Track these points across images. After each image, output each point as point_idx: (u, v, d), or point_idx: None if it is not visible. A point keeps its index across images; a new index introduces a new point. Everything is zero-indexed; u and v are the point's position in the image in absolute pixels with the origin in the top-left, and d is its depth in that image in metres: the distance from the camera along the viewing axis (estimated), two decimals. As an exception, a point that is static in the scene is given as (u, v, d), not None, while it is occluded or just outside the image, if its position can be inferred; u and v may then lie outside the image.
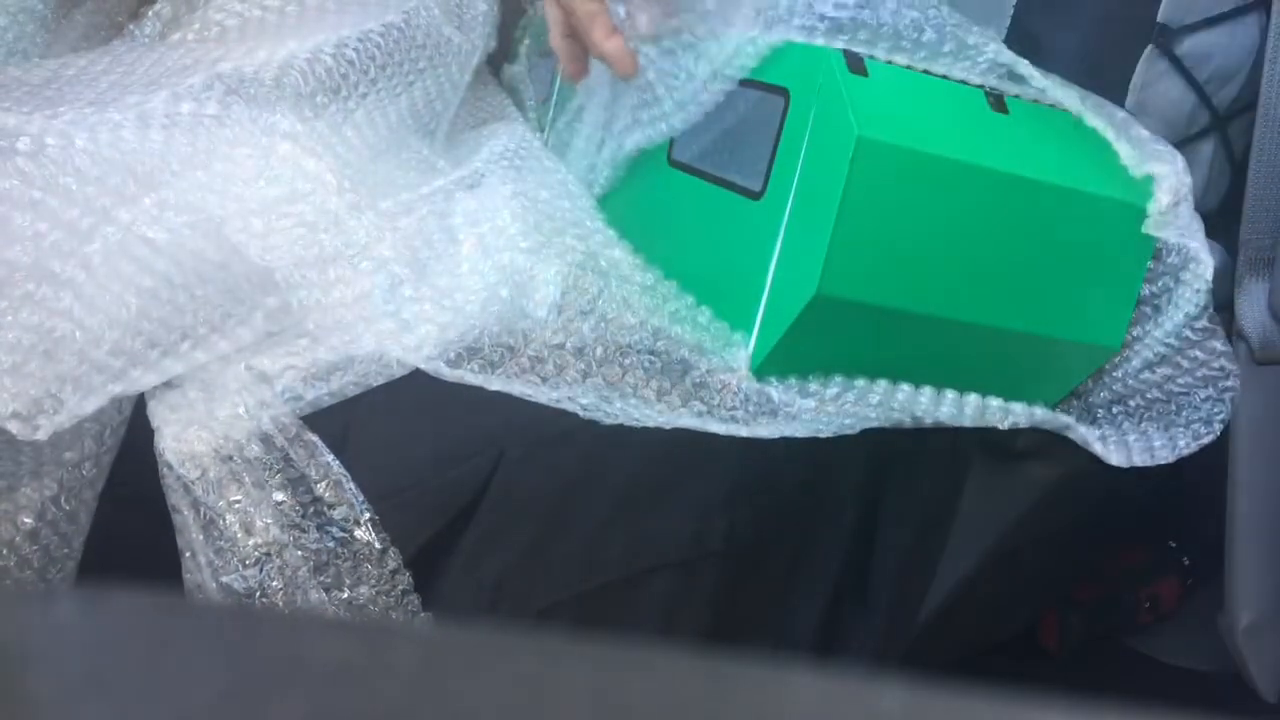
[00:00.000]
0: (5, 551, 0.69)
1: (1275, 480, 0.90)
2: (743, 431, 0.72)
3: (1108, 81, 0.87)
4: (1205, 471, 0.95)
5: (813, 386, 0.74)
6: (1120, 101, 0.87)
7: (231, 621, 0.32)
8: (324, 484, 0.69)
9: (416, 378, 0.72)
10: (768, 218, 0.73)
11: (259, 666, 0.28)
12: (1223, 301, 0.94)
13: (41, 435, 0.65)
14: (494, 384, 0.70)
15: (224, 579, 0.67)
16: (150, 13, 0.87)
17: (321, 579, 0.68)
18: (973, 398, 0.76)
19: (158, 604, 0.30)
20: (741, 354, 0.73)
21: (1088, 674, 1.12)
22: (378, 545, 0.69)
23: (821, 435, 0.73)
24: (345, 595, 0.68)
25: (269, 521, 0.68)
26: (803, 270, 0.70)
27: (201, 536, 0.68)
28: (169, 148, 0.70)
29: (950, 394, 0.77)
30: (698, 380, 0.72)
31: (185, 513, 0.68)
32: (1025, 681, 1.08)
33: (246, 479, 0.68)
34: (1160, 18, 0.87)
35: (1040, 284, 0.75)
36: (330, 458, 0.69)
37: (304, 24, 0.80)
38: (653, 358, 0.72)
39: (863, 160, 0.68)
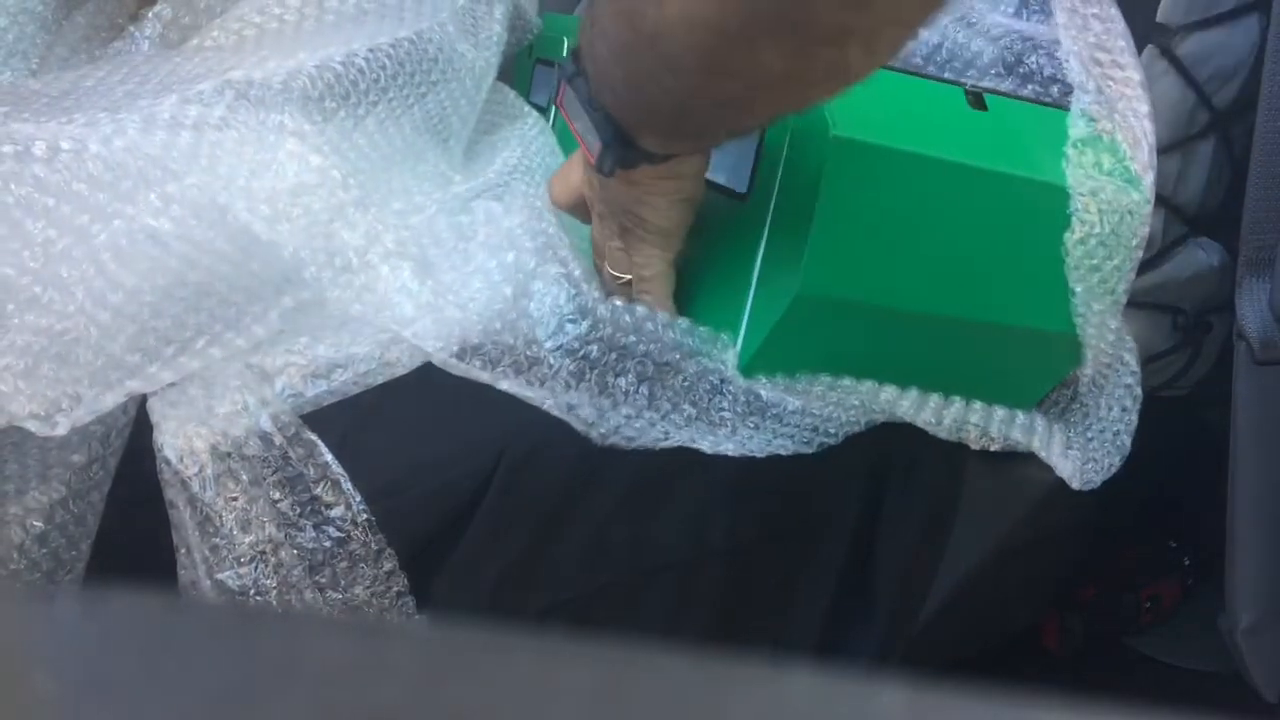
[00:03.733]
0: (16, 555, 0.68)
1: (1275, 480, 0.90)
2: (729, 447, 0.72)
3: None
4: (1205, 471, 0.95)
5: (800, 385, 0.75)
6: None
7: (231, 621, 0.32)
8: (321, 484, 0.69)
9: (417, 377, 0.72)
10: (753, 218, 0.73)
11: (259, 666, 0.28)
12: (1223, 301, 0.94)
13: (61, 431, 0.65)
14: (503, 383, 0.71)
15: (218, 576, 0.67)
16: (150, 14, 0.87)
17: (317, 579, 0.68)
18: (954, 409, 0.77)
19: (158, 604, 0.30)
20: (730, 354, 0.74)
21: (1088, 674, 1.12)
22: (374, 546, 0.69)
23: (805, 452, 0.74)
24: (340, 595, 0.68)
25: (265, 520, 0.68)
26: (785, 270, 0.71)
27: (197, 533, 0.68)
28: (175, 148, 0.71)
29: (933, 401, 0.77)
30: (687, 383, 0.73)
31: (182, 509, 0.68)
32: (1025, 681, 1.08)
33: (244, 476, 0.68)
34: (1160, 17, 0.87)
35: (1022, 277, 0.75)
36: (329, 457, 0.69)
37: (318, 35, 0.81)
38: (645, 361, 0.73)
39: (838, 159, 0.68)
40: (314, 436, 0.69)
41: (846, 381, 0.76)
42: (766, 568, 0.81)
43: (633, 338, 0.73)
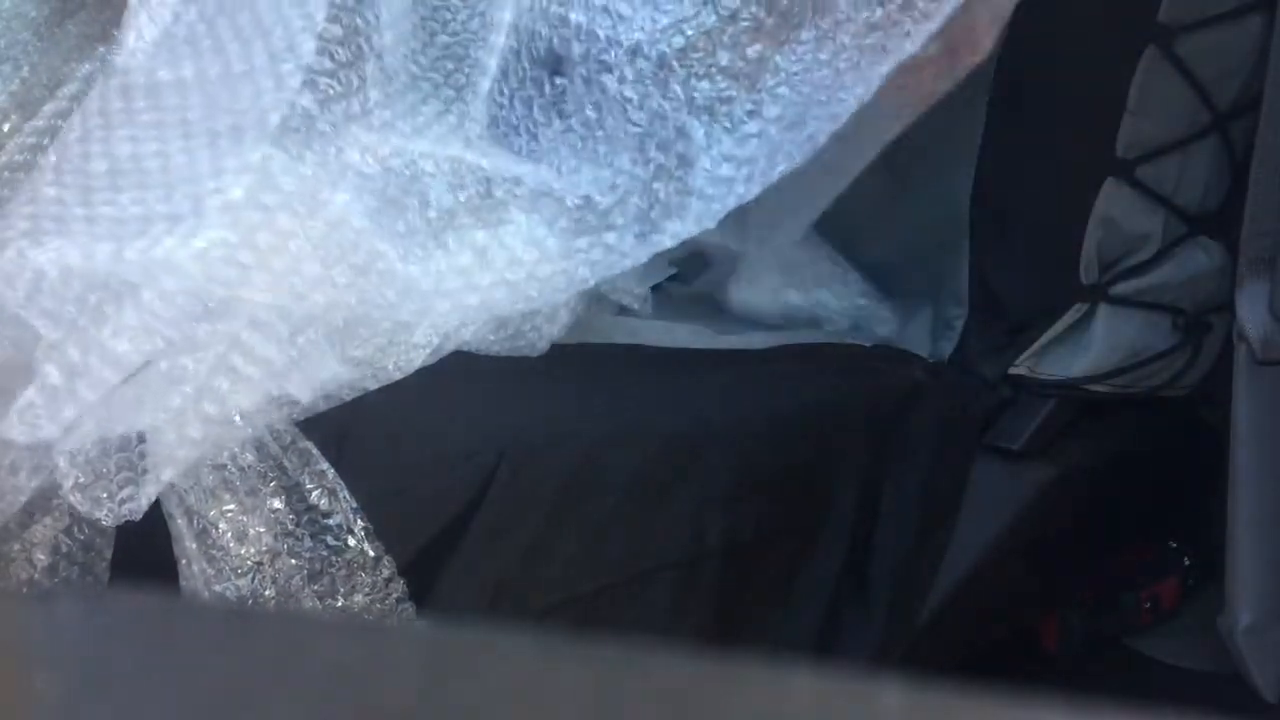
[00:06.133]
0: (25, 592, 0.68)
1: (1275, 480, 0.90)
2: None
3: (1108, 82, 0.87)
4: (1205, 471, 0.95)
5: None
6: (1120, 101, 0.87)
7: (231, 621, 0.32)
8: (318, 492, 0.68)
9: (414, 379, 0.72)
10: None
11: (259, 666, 0.28)
12: (1223, 301, 0.94)
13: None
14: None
15: (217, 588, 0.67)
16: (117, 34, 0.86)
17: (315, 588, 0.68)
18: None
19: (158, 604, 0.30)
20: None
21: (1088, 674, 1.12)
22: (371, 554, 0.68)
23: None
24: (339, 604, 0.68)
25: (262, 530, 0.67)
26: None
27: (195, 545, 0.67)
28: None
29: None
30: None
31: (179, 521, 0.68)
32: (1025, 681, 1.08)
33: (240, 487, 0.67)
34: (1161, 18, 0.87)
35: None
36: (325, 465, 0.69)
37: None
38: None
39: None
40: (309, 444, 0.69)
41: None
42: (765, 567, 0.81)
43: None
